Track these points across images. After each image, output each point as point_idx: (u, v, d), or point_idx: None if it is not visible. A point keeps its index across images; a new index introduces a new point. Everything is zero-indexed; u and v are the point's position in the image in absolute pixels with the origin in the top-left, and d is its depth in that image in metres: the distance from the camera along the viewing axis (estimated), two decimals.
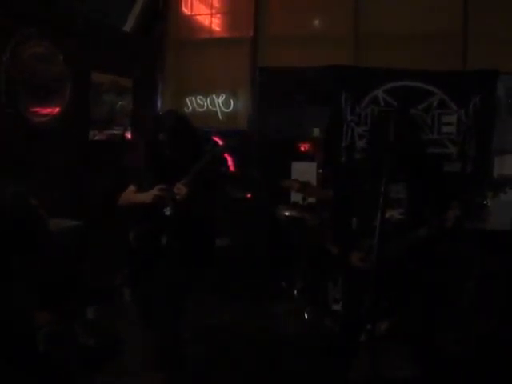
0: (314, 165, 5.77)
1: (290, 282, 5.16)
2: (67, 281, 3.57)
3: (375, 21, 5.86)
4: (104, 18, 5.77)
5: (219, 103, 6.56)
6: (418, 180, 3.30)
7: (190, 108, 6.64)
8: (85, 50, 5.15)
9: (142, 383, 3.46)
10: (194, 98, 6.64)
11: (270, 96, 6.23)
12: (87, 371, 2.84)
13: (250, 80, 6.38)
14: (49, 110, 4.81)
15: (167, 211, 3.27)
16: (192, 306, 3.60)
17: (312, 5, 6.24)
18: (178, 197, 3.21)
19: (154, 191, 3.25)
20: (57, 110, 4.89)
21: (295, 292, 5.00)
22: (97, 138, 5.60)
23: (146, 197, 3.29)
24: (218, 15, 6.70)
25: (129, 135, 6.12)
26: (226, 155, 6.02)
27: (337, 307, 3.88)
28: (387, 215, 3.04)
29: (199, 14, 6.77)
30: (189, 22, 6.77)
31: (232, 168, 6.18)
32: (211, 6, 6.69)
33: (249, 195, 5.87)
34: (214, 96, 6.57)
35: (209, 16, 6.70)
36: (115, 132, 5.90)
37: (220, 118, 6.58)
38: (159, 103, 6.83)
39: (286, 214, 5.09)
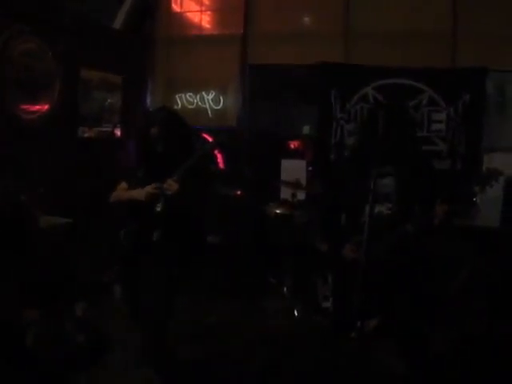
0: (303, 162, 5.79)
1: (279, 280, 5.16)
2: (57, 278, 3.55)
3: (365, 18, 5.86)
4: (93, 15, 5.75)
5: (209, 100, 6.54)
6: (406, 174, 3.31)
7: (180, 105, 6.62)
8: (74, 47, 5.13)
9: (131, 381, 3.45)
10: (183, 95, 6.62)
11: (260, 93, 6.24)
12: (77, 368, 2.83)
13: (239, 77, 6.37)
14: (38, 107, 4.79)
15: (158, 207, 3.25)
16: (181, 304, 3.60)
17: (302, 2, 6.22)
18: (168, 192, 3.21)
19: (148, 189, 3.23)
20: (46, 107, 4.87)
21: (285, 290, 5.01)
22: (86, 135, 5.59)
23: (139, 194, 3.26)
24: (208, 12, 6.68)
25: (118, 132, 6.12)
26: (215, 152, 6.01)
27: (326, 304, 3.90)
28: (376, 211, 3.05)
29: (189, 11, 6.75)
30: (178, 19, 6.74)
31: (221, 165, 6.17)
32: (201, 4, 6.67)
33: (238, 192, 5.86)
34: (203, 93, 6.55)
35: (198, 13, 6.68)
36: (104, 129, 5.90)
37: (210, 115, 6.56)
38: (149, 100, 6.81)
39: (277, 211, 5.10)
